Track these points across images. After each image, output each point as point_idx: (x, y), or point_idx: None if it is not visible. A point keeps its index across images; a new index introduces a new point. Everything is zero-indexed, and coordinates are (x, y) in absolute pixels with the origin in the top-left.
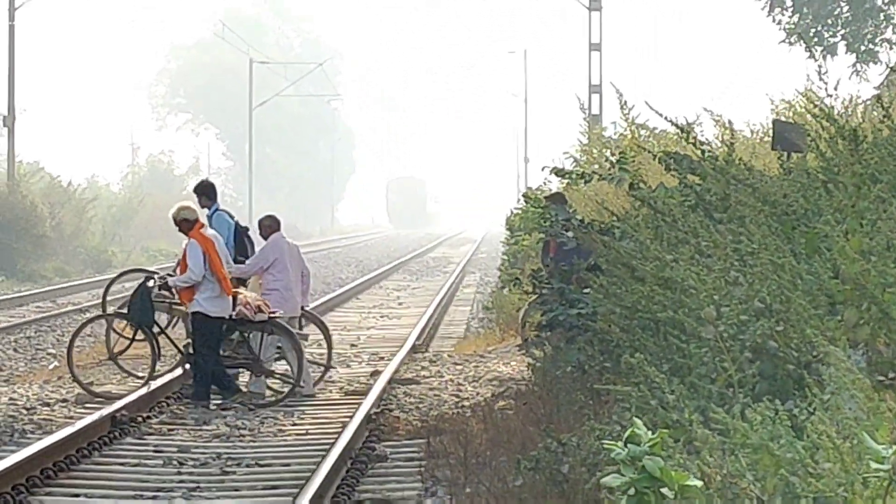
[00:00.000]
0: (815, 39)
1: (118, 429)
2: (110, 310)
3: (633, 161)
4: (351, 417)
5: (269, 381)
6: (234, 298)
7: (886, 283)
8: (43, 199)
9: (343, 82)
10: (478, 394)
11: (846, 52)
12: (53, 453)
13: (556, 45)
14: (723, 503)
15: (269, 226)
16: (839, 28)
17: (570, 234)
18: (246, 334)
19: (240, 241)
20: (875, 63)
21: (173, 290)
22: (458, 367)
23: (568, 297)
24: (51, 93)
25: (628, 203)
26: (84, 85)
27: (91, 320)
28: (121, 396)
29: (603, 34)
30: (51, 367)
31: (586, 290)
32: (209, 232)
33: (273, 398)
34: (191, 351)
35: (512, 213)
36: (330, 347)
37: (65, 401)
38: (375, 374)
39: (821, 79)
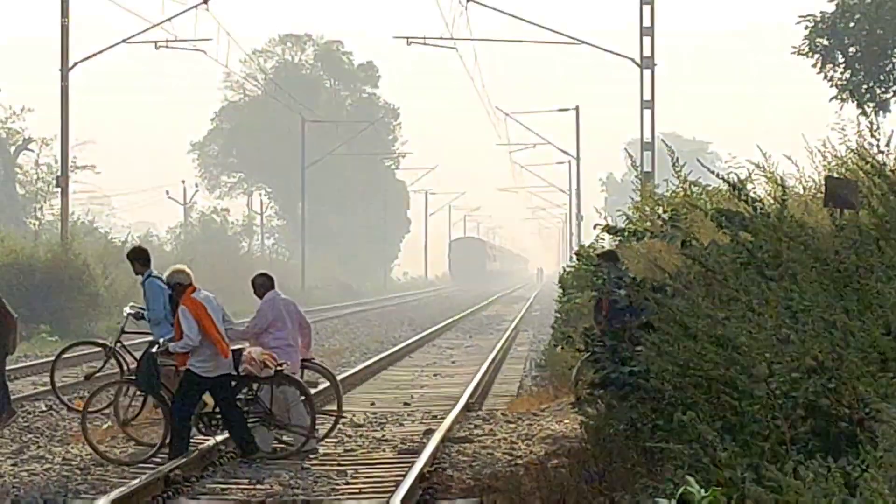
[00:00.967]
0: (868, 95)
1: (172, 489)
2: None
3: (685, 218)
4: (404, 476)
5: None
6: (239, 355)
7: None
8: (96, 259)
9: (397, 141)
10: (531, 452)
11: None
12: None
13: (608, 100)
14: None
15: (263, 284)
16: (892, 84)
17: (622, 291)
18: (255, 390)
19: (175, 307)
20: None
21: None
22: (512, 426)
23: (620, 355)
24: (102, 154)
25: (680, 261)
26: (136, 144)
27: (100, 389)
28: (131, 463)
29: (655, 91)
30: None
31: (638, 348)
32: (201, 295)
33: (284, 451)
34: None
35: (564, 271)
36: (339, 396)
37: (119, 462)
38: (429, 432)
39: (873, 135)
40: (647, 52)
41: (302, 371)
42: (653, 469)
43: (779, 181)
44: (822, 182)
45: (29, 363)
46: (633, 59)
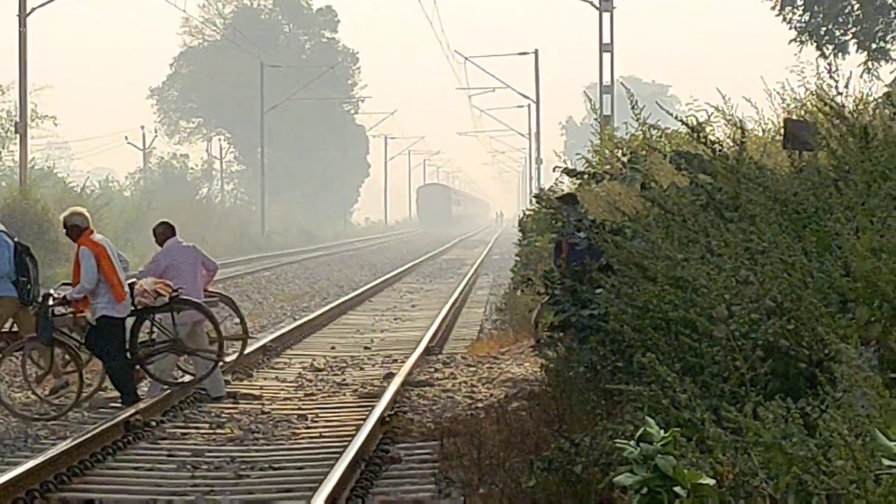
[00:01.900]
0: (826, 38)
1: (132, 433)
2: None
3: (645, 161)
4: (364, 420)
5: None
6: (131, 290)
7: None
8: (55, 204)
9: (357, 85)
10: (491, 395)
11: (857, 51)
12: (67, 458)
13: (567, 44)
14: (735, 502)
15: (163, 232)
16: (850, 26)
17: (581, 234)
18: (156, 320)
19: (21, 262)
20: (886, 61)
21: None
22: (472, 369)
23: (580, 298)
24: (61, 100)
25: (640, 203)
26: (95, 90)
27: (8, 352)
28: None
29: (614, 34)
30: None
31: (598, 291)
32: (98, 237)
33: (190, 378)
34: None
35: (524, 214)
36: (243, 322)
37: (79, 406)
38: (389, 376)
39: (832, 77)
40: None
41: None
42: (612, 411)
43: (738, 124)
44: (781, 124)
45: None
46: (591, 2)
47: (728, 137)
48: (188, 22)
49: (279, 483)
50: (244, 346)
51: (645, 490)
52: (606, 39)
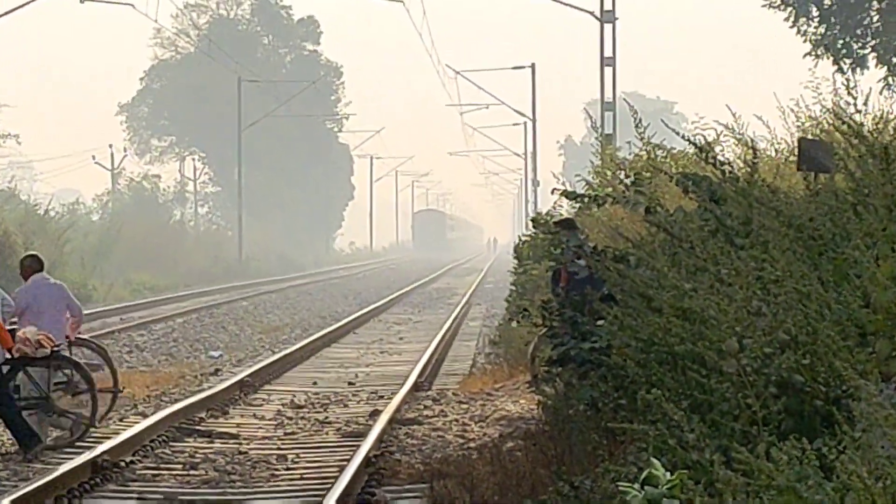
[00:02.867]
0: (844, 51)
1: (100, 475)
2: None
3: (649, 183)
4: (349, 461)
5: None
6: (13, 335)
7: None
8: (18, 227)
9: (341, 101)
10: (485, 434)
11: (876, 66)
12: (31, 502)
13: (565, 58)
14: None
15: (29, 265)
16: (869, 39)
17: (581, 262)
18: (30, 373)
19: None
20: None
21: None
22: (464, 406)
23: (580, 330)
24: (25, 117)
25: (644, 228)
26: (60, 106)
27: None
28: None
29: (616, 47)
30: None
31: (600, 323)
32: None
33: (67, 437)
34: None
35: (520, 240)
36: (115, 374)
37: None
38: (375, 413)
39: (849, 93)
40: (607, 6)
41: (70, 350)
42: (615, 451)
43: (749, 143)
44: (796, 144)
45: None
46: (592, 13)
47: (739, 158)
48: (160, 33)
49: None
50: (114, 400)
51: None
52: (608, 53)
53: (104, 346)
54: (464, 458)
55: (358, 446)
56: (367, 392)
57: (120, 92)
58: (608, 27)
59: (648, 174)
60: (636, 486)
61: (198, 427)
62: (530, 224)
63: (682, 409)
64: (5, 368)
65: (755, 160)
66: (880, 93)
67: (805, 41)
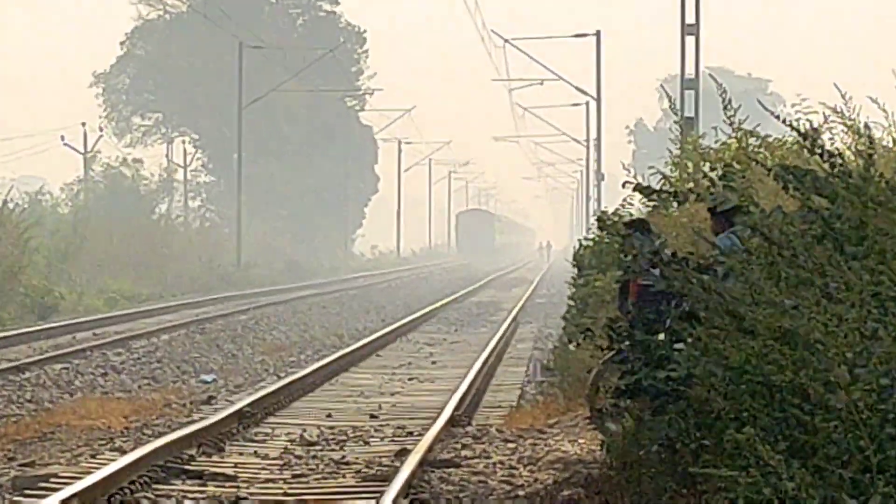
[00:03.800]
0: None
1: None
2: None
3: (741, 177)
4: None
5: None
6: None
7: None
8: None
9: (363, 74)
10: (536, 481)
11: None
12: None
13: (638, 26)
14: None
15: None
16: None
17: (657, 271)
18: None
19: None
20: None
21: None
22: (511, 446)
23: (654, 355)
24: None
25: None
26: (24, 76)
27: None
28: None
29: (700, 13)
30: None
31: (678, 346)
32: None
33: None
34: None
35: (580, 244)
36: None
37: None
38: (402, 453)
39: None
40: None
41: None
42: (696, 502)
43: (863, 131)
44: None
45: None
46: None
47: (850, 148)
48: None
49: None
50: None
51: None
52: (690, 19)
53: None
54: None
55: (382, 493)
56: (393, 427)
57: (95, 59)
58: None
59: (739, 166)
60: None
61: (187, 467)
62: (594, 225)
63: (779, 451)
64: None
65: (871, 151)
66: None
67: None
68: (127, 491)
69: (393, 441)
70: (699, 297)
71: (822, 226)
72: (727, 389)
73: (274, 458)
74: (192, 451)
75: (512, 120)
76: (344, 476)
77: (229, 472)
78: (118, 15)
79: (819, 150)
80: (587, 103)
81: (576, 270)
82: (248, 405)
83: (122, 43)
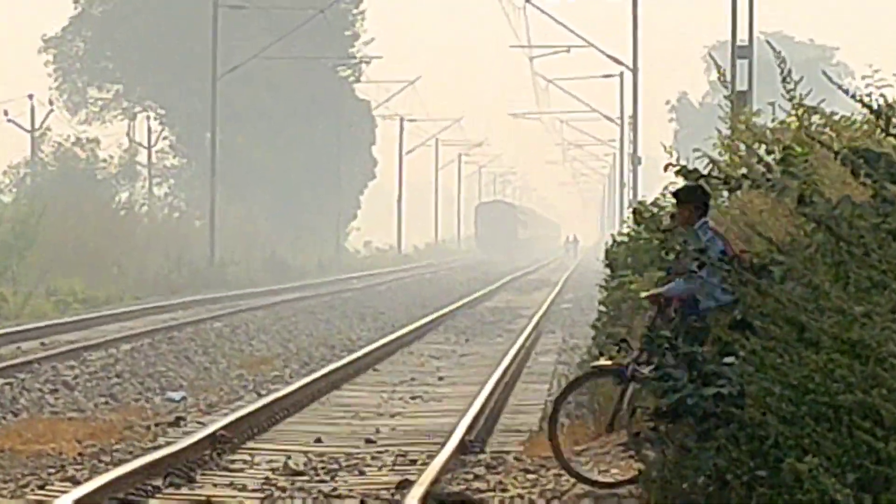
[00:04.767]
0: None
1: None
2: None
3: (804, 162)
4: None
5: None
6: None
7: None
8: None
9: (359, 39)
10: None
11: None
12: None
13: None
14: None
15: None
16: None
17: (703, 272)
18: None
19: None
20: None
21: None
22: (531, 477)
23: (700, 371)
24: None
25: (794, 225)
26: None
27: None
28: None
29: None
30: None
31: (729, 360)
32: None
33: None
34: None
35: (613, 241)
36: None
37: None
38: (404, 485)
39: None
40: None
41: None
42: None
43: None
44: None
45: None
46: None
47: None
48: None
49: None
50: None
51: None
52: None
53: None
54: None
55: None
56: (393, 454)
57: (45, 20)
58: None
59: (801, 149)
60: None
61: (152, 501)
62: (629, 218)
63: (846, 484)
64: None
65: None
66: None
67: None
68: None
69: (393, 471)
70: (753, 303)
71: None
72: (786, 411)
73: (253, 490)
74: (158, 482)
75: (533, 94)
76: None
77: None
78: None
79: (895, 131)
80: (621, 74)
81: (608, 271)
82: (224, 427)
83: (75, 1)
